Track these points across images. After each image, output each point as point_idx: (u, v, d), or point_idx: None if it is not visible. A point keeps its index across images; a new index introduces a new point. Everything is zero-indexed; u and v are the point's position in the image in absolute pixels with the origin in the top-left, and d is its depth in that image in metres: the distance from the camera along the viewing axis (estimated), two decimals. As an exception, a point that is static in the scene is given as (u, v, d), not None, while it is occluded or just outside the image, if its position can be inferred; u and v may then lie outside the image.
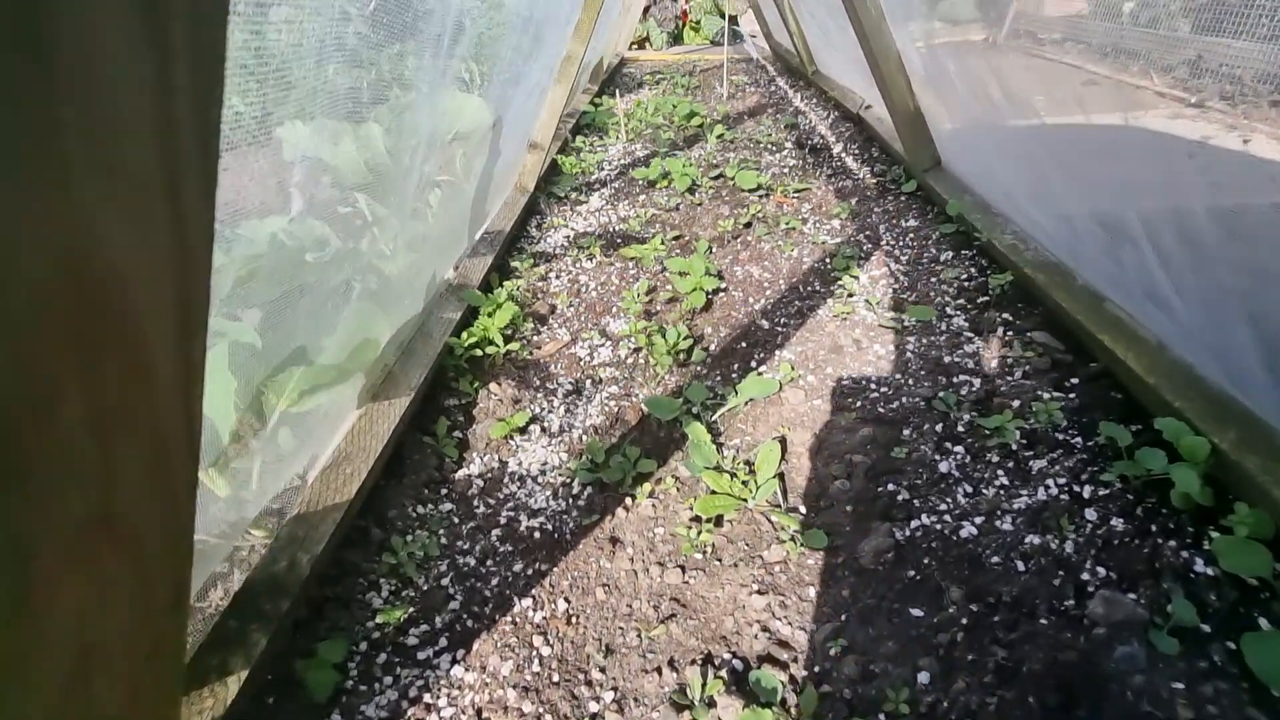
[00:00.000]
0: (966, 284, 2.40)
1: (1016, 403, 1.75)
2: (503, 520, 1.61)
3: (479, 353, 2.11)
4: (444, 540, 1.57)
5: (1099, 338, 1.79)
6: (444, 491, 1.72)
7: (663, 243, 2.86)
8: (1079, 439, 1.64)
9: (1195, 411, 1.47)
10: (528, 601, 1.40)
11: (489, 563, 1.50)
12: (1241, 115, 2.15)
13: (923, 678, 1.17)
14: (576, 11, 2.76)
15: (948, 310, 2.25)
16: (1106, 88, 2.65)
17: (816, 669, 1.21)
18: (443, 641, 1.33)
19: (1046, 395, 1.76)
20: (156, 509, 0.46)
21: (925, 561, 1.39)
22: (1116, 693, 1.06)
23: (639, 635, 1.31)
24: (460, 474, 1.77)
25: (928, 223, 2.91)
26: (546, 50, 2.73)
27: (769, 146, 4.23)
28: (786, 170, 3.76)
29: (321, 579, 1.43)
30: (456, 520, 1.63)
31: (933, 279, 2.46)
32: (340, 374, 1.48)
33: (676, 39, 11.03)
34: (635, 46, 10.57)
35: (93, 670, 0.48)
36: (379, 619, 1.36)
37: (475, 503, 1.67)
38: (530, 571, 1.47)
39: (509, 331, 2.30)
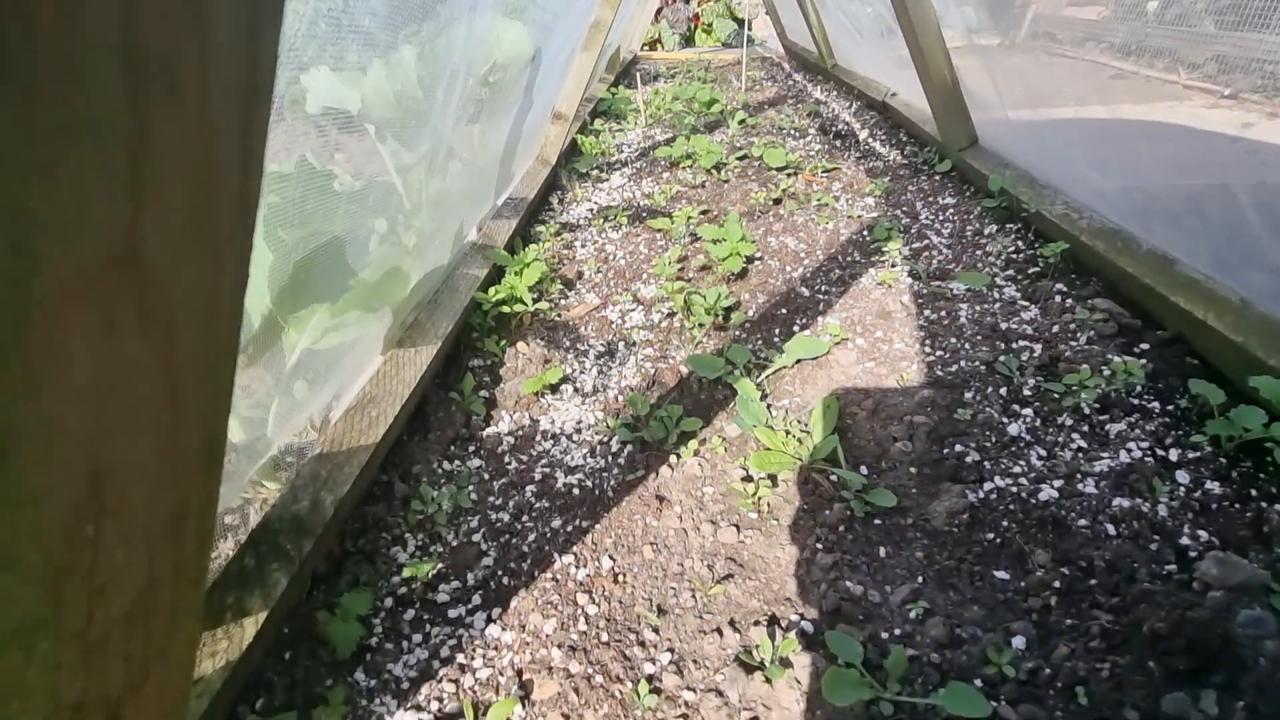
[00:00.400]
0: (1014, 256, 2.29)
1: (1085, 367, 1.63)
2: (537, 476, 1.49)
3: (506, 310, 1.99)
4: (474, 496, 1.45)
5: (1172, 300, 1.68)
6: (472, 448, 1.60)
7: (692, 214, 2.75)
8: (1156, 404, 1.53)
9: (1295, 368, 1.35)
10: (569, 558, 1.27)
11: (524, 518, 1.38)
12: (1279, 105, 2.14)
13: (1018, 643, 1.05)
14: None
15: (997, 280, 2.13)
16: (1134, 80, 2.67)
17: (898, 631, 1.08)
18: (476, 599, 1.21)
19: (1116, 359, 1.65)
20: (194, 273, 0.34)
21: (1004, 524, 1.27)
22: (1250, 658, 0.94)
23: (694, 595, 1.19)
24: (489, 431, 1.65)
25: (966, 199, 2.81)
26: (577, 5, 2.64)
27: (792, 132, 4.14)
28: (813, 153, 3.66)
29: (342, 534, 1.31)
30: (487, 476, 1.50)
31: (978, 251, 2.35)
32: (368, 304, 1.36)
33: (688, 41, 11.01)
34: (647, 47, 10.54)
35: (104, 512, 0.36)
36: (406, 573, 1.24)
37: (507, 459, 1.55)
38: (570, 528, 1.35)
39: (536, 293, 2.18)
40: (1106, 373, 1.60)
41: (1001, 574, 1.18)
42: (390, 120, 1.63)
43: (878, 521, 1.31)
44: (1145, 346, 1.71)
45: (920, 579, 1.18)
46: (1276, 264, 1.55)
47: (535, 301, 2.07)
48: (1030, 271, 2.17)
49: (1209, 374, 1.57)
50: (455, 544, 1.33)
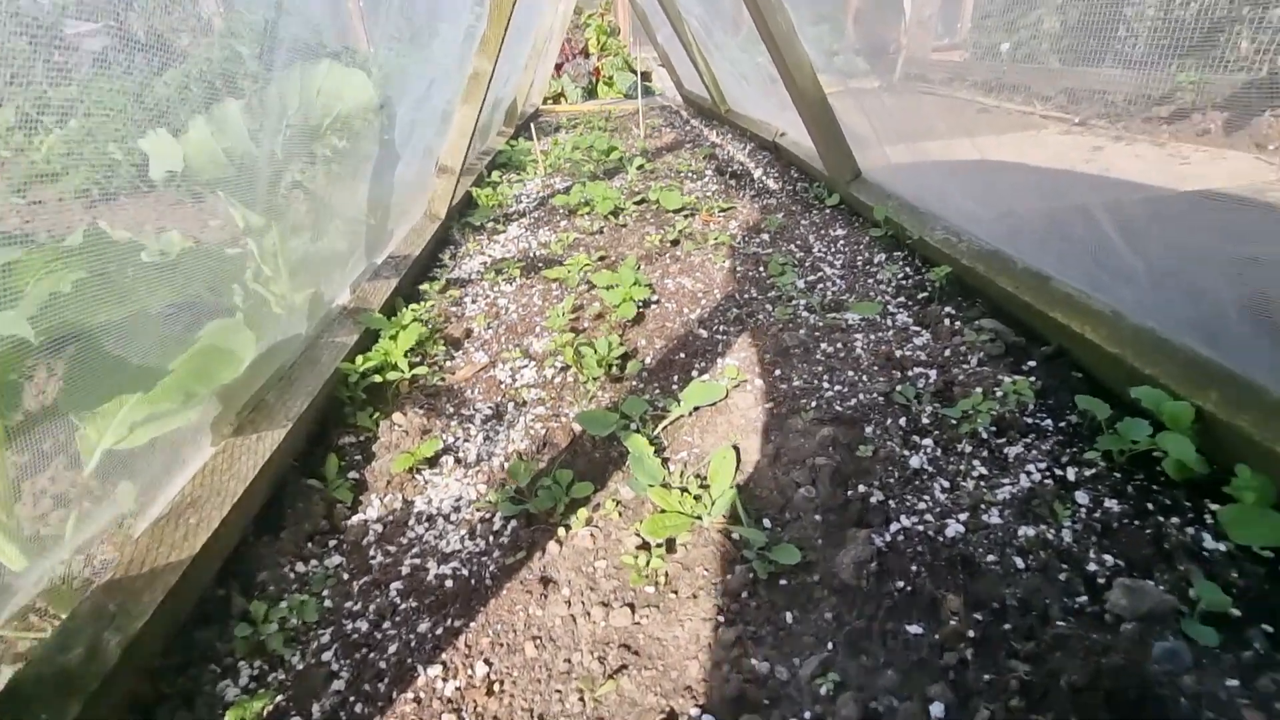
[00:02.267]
0: (904, 282, 2.31)
1: (978, 390, 1.61)
2: (405, 570, 1.29)
3: (379, 379, 1.80)
4: (329, 603, 1.23)
5: (1050, 315, 1.71)
6: (333, 543, 1.39)
7: (588, 262, 2.67)
8: (1049, 421, 1.52)
9: (1170, 376, 1.36)
10: (436, 670, 1.09)
11: (386, 625, 1.18)
12: (1123, 129, 2.33)
13: (936, 711, 0.94)
14: (481, 23, 2.61)
15: (890, 307, 2.14)
16: (997, 114, 2.90)
17: (808, 714, 0.96)
18: (320, 738, 1.00)
19: (1006, 379, 1.64)
20: None
21: (913, 569, 1.19)
22: (1170, 700, 0.87)
23: (582, 699, 1.02)
24: (354, 520, 1.44)
25: (855, 230, 2.86)
26: (444, 49, 2.55)
27: (690, 175, 4.18)
28: (710, 194, 3.69)
29: (151, 671, 1.07)
30: (347, 576, 1.30)
31: (869, 280, 2.36)
32: (189, 391, 1.16)
33: (591, 94, 11.26)
34: (550, 101, 10.70)
35: None
36: (230, 717, 1.01)
37: (372, 552, 1.35)
38: (440, 631, 1.16)
39: (417, 357, 2.01)
40: (999, 394, 1.59)
41: (915, 628, 1.08)
42: (223, 180, 1.46)
43: (783, 581, 1.19)
44: (1032, 363, 1.72)
45: (830, 645, 1.07)
46: (1137, 277, 1.60)
47: (414, 367, 1.89)
48: (920, 296, 2.19)
49: (1093, 386, 1.59)
50: (300, 668, 1.11)
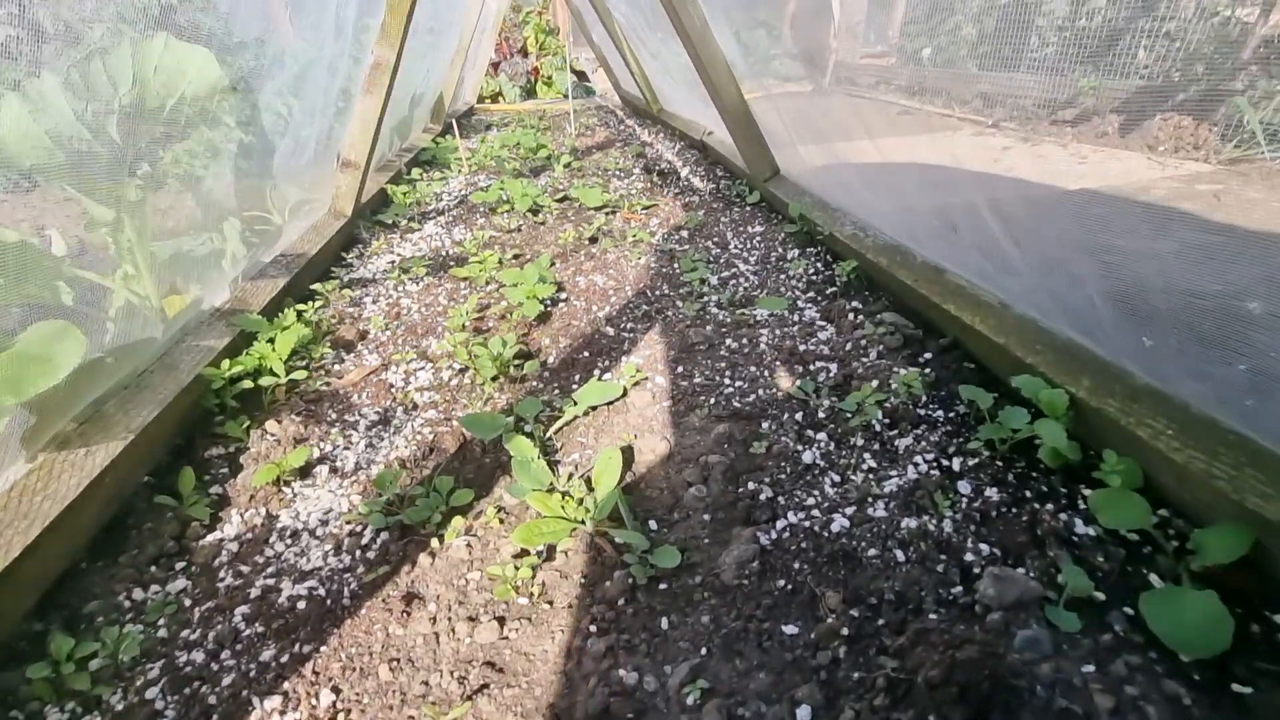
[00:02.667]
0: (814, 277, 2.32)
1: (875, 382, 1.61)
2: (255, 593, 1.18)
3: (251, 385, 1.67)
4: (164, 632, 1.11)
5: (944, 307, 1.72)
6: (180, 565, 1.26)
7: (500, 262, 2.58)
8: (939, 412, 1.52)
9: (1048, 364, 1.38)
10: (275, 701, 0.98)
11: (225, 655, 1.07)
12: (1031, 131, 2.42)
13: (803, 714, 0.90)
14: (378, 11, 2.48)
15: (799, 303, 2.13)
16: (919, 116, 2.99)
17: (670, 727, 0.91)
18: (132, 788, 0.88)
19: (901, 371, 1.64)
20: None
21: (796, 566, 1.16)
22: (1026, 690, 0.85)
23: (435, 723, 0.94)
24: (208, 539, 1.31)
25: (772, 227, 2.87)
26: (321, 39, 2.41)
27: (617, 173, 4.13)
28: (635, 191, 3.65)
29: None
30: (189, 602, 1.17)
31: (781, 275, 2.36)
32: (-17, 407, 1.02)
33: (530, 93, 11.10)
34: (487, 100, 10.49)
35: None
36: (24, 771, 0.89)
37: (221, 574, 1.23)
38: (286, 658, 1.05)
39: (301, 360, 1.88)
40: (893, 386, 1.58)
41: (791, 628, 1.04)
42: (51, 166, 1.31)
43: (663, 586, 1.14)
44: (928, 355, 1.73)
45: (704, 650, 1.02)
46: (1019, 268, 1.62)
47: (292, 371, 1.76)
48: (828, 291, 2.19)
49: (982, 376, 1.60)
50: (120, 708, 0.99)
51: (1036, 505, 1.22)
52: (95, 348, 1.29)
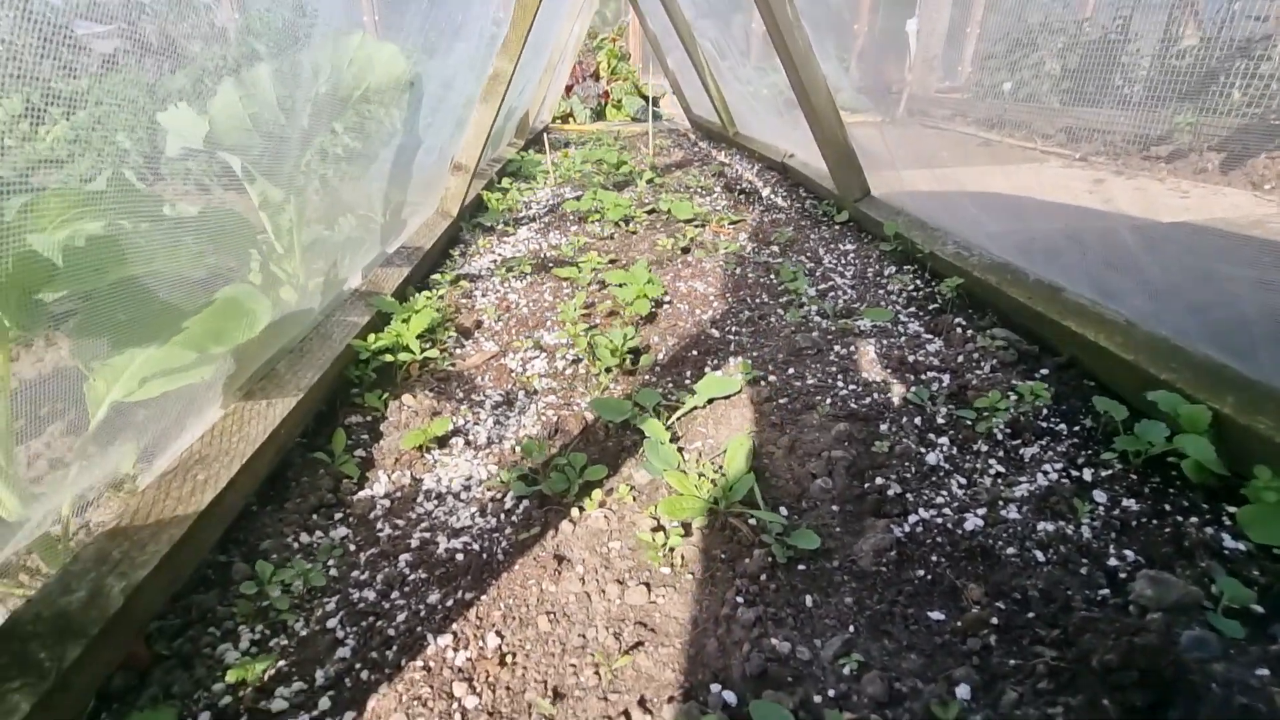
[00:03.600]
0: (915, 293, 2.33)
1: (994, 393, 1.61)
2: (414, 543, 1.26)
3: (390, 359, 1.78)
4: (335, 572, 1.20)
5: (1063, 324, 1.72)
6: (339, 516, 1.36)
7: (599, 262, 2.68)
8: (1063, 425, 1.52)
9: (1186, 381, 1.37)
10: (446, 640, 1.05)
11: (394, 595, 1.15)
12: (1123, 165, 2.42)
13: (962, 692, 0.92)
14: (503, 27, 2.66)
15: (901, 316, 2.15)
16: (999, 147, 3.02)
17: (832, 692, 0.93)
18: (324, 703, 0.96)
19: (1021, 384, 1.65)
20: None
21: (933, 559, 1.17)
22: (1202, 684, 0.85)
23: (597, 672, 1.00)
24: (362, 494, 1.41)
25: (865, 245, 2.89)
26: (466, 53, 2.59)
27: (699, 190, 4.23)
28: (719, 207, 3.73)
29: (149, 633, 1.03)
30: (353, 548, 1.27)
31: (880, 290, 2.38)
32: (202, 346, 1.14)
33: (599, 115, 11.42)
34: (559, 120, 10.85)
35: None
36: (232, 677, 0.98)
37: (379, 525, 1.32)
38: (450, 602, 1.13)
39: (428, 342, 1.99)
40: (1014, 397, 1.59)
41: (936, 614, 1.06)
42: (247, 147, 1.46)
43: (802, 567, 1.17)
44: (1045, 371, 1.72)
45: (852, 628, 1.05)
46: (1147, 289, 1.62)
47: (425, 350, 1.87)
48: (930, 307, 2.21)
49: (1106, 394, 1.59)
50: (304, 634, 1.08)
51: (1179, 518, 1.21)
52: (276, 311, 1.41)
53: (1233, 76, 1.64)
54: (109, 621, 0.83)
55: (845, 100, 3.22)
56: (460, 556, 1.22)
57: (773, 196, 3.96)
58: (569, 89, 11.40)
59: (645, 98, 11.28)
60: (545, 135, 4.96)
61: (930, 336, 1.99)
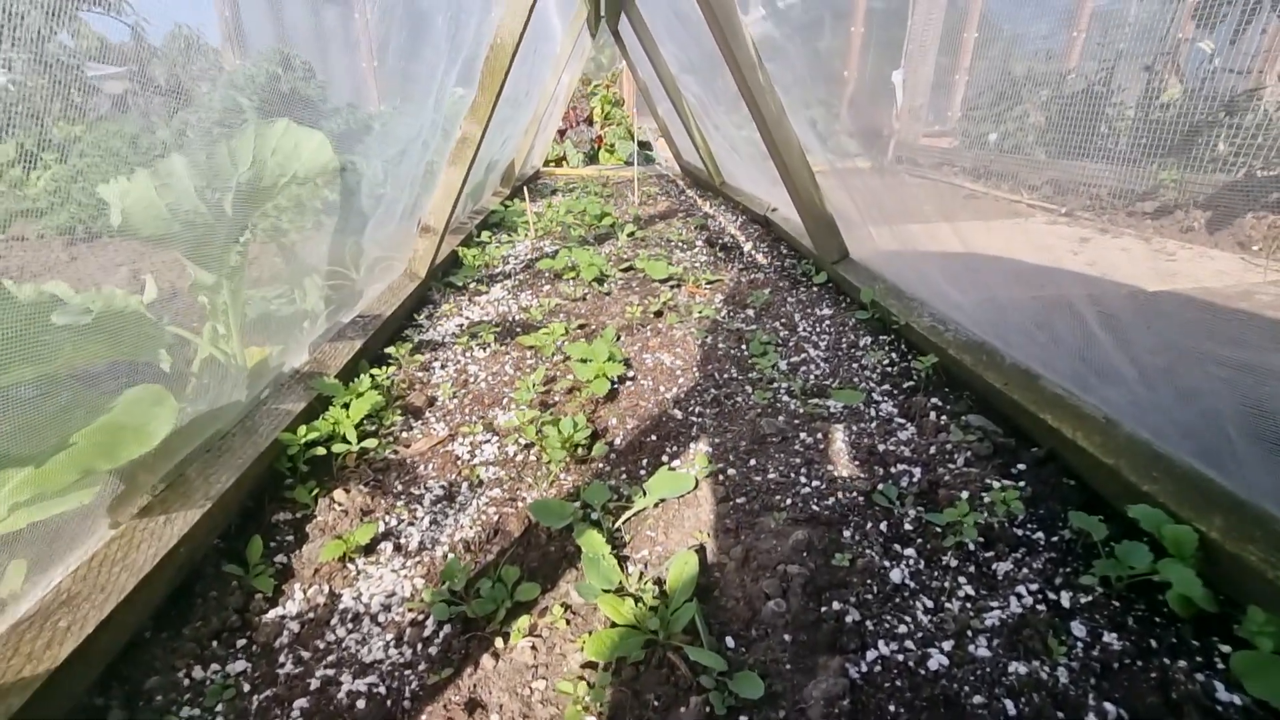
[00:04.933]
0: (889, 369, 2.24)
1: (965, 494, 1.51)
2: (314, 685, 1.13)
3: (324, 451, 1.67)
4: (220, 721, 1.07)
5: (1040, 417, 1.62)
6: (241, 643, 1.23)
7: (566, 331, 2.59)
8: (1040, 534, 1.40)
9: (1168, 495, 1.26)
10: (329, 819, 0.92)
11: (280, 756, 1.02)
12: (1109, 221, 2.35)
13: None
14: (471, 89, 2.62)
15: (874, 396, 2.05)
16: (985, 200, 2.97)
17: None
18: None
19: (995, 484, 1.54)
20: None
21: (891, 709, 1.05)
22: None
23: None
24: (270, 615, 1.29)
25: (842, 310, 2.81)
26: (420, 114, 2.54)
27: (680, 244, 4.18)
28: (698, 265, 3.67)
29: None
30: (247, 688, 1.13)
31: (854, 364, 2.29)
32: (82, 475, 1.03)
33: (592, 159, 11.55)
34: (553, 164, 10.95)
35: None
36: None
37: (281, 659, 1.19)
38: (342, 766, 1.00)
39: (372, 425, 1.89)
40: (987, 499, 1.48)
41: (891, 788, 0.93)
42: (165, 236, 1.37)
43: (743, 718, 1.04)
44: (1022, 467, 1.62)
45: (793, 807, 0.92)
46: (1126, 377, 1.52)
47: (364, 438, 1.77)
48: (905, 386, 2.11)
49: (1086, 495, 1.48)
50: (170, 808, 0.94)
51: (1166, 660, 1.09)
52: (184, 412, 1.31)
53: (1216, 130, 1.59)
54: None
55: (835, 146, 3.17)
56: (362, 703, 1.09)
57: (754, 253, 3.91)
58: (562, 133, 11.56)
59: (637, 142, 11.44)
60: (526, 188, 4.93)
61: (903, 421, 1.89)
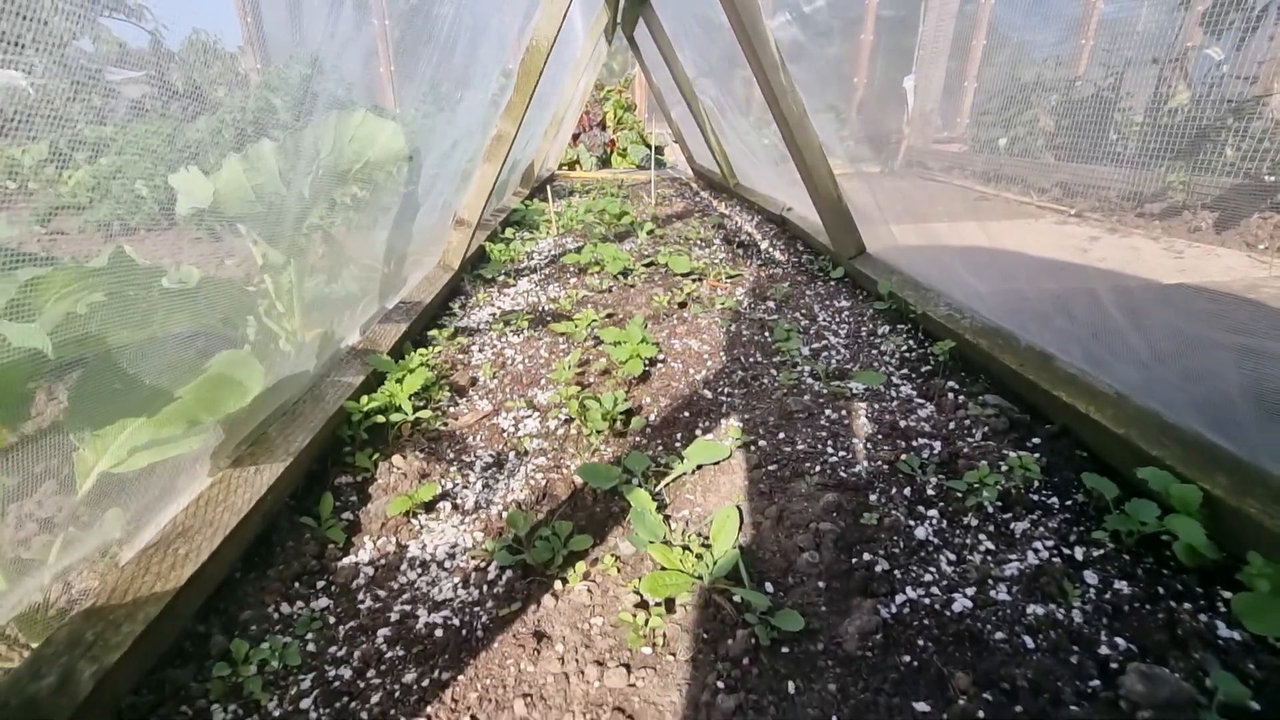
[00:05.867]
0: (907, 355, 2.34)
1: (983, 463, 1.61)
2: (394, 617, 1.25)
3: (382, 419, 1.79)
4: (313, 647, 1.19)
5: (1055, 394, 1.72)
6: (321, 584, 1.35)
7: (595, 318, 2.71)
8: (1055, 499, 1.50)
9: (1176, 458, 1.36)
10: (420, 724, 1.03)
11: (370, 674, 1.13)
12: (1117, 222, 2.45)
13: (946, 795, 0.89)
14: (506, 91, 2.75)
15: (893, 379, 2.16)
16: (995, 201, 3.07)
17: (811, 793, 0.91)
18: (291, 792, 0.94)
19: (1012, 454, 1.64)
20: None
21: (920, 643, 1.15)
22: (1192, 794, 0.82)
23: (572, 763, 0.97)
24: (345, 561, 1.40)
25: (859, 302, 2.92)
26: (469, 112, 2.68)
27: (698, 242, 4.30)
28: (717, 260, 3.79)
29: (120, 712, 1.02)
30: (333, 620, 1.25)
31: (873, 350, 2.39)
32: (193, 418, 1.15)
33: (605, 163, 11.71)
34: (566, 167, 11.12)
35: None
36: (199, 763, 0.96)
37: (361, 596, 1.31)
38: (427, 682, 1.11)
39: (421, 401, 2.01)
40: (1004, 468, 1.58)
41: (922, 705, 1.03)
42: (250, 215, 1.50)
43: (785, 649, 1.15)
44: (1037, 440, 1.72)
45: (835, 718, 1.02)
46: (1137, 358, 1.62)
47: (417, 410, 1.88)
48: (923, 369, 2.21)
49: (1098, 465, 1.58)
50: (277, 715, 1.06)
51: (1173, 603, 1.19)
52: (269, 377, 1.43)
53: (1224, 134, 1.68)
54: (78, 709, 0.82)
55: (846, 150, 3.29)
56: (439, 632, 1.21)
57: (770, 250, 4.02)
58: (576, 137, 11.72)
59: (650, 147, 11.60)
60: (549, 186, 5.07)
61: (922, 401, 1.99)
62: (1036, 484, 1.54)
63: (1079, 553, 1.33)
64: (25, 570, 1.11)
